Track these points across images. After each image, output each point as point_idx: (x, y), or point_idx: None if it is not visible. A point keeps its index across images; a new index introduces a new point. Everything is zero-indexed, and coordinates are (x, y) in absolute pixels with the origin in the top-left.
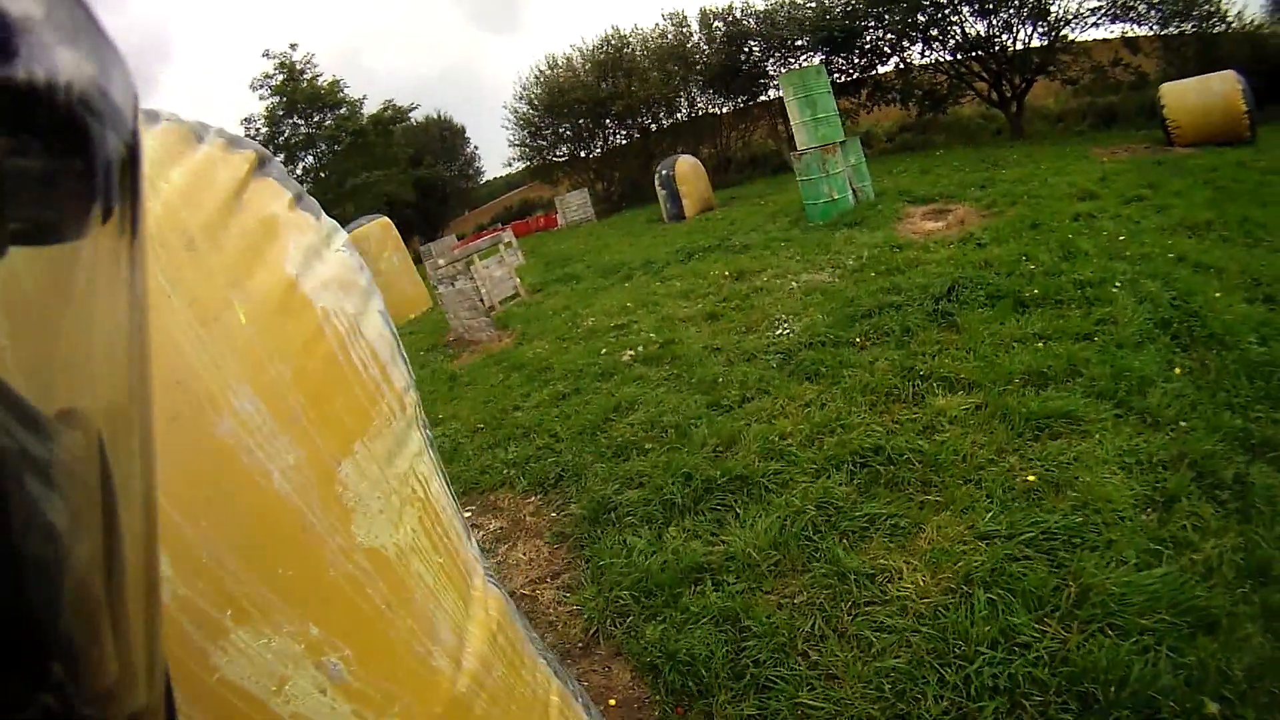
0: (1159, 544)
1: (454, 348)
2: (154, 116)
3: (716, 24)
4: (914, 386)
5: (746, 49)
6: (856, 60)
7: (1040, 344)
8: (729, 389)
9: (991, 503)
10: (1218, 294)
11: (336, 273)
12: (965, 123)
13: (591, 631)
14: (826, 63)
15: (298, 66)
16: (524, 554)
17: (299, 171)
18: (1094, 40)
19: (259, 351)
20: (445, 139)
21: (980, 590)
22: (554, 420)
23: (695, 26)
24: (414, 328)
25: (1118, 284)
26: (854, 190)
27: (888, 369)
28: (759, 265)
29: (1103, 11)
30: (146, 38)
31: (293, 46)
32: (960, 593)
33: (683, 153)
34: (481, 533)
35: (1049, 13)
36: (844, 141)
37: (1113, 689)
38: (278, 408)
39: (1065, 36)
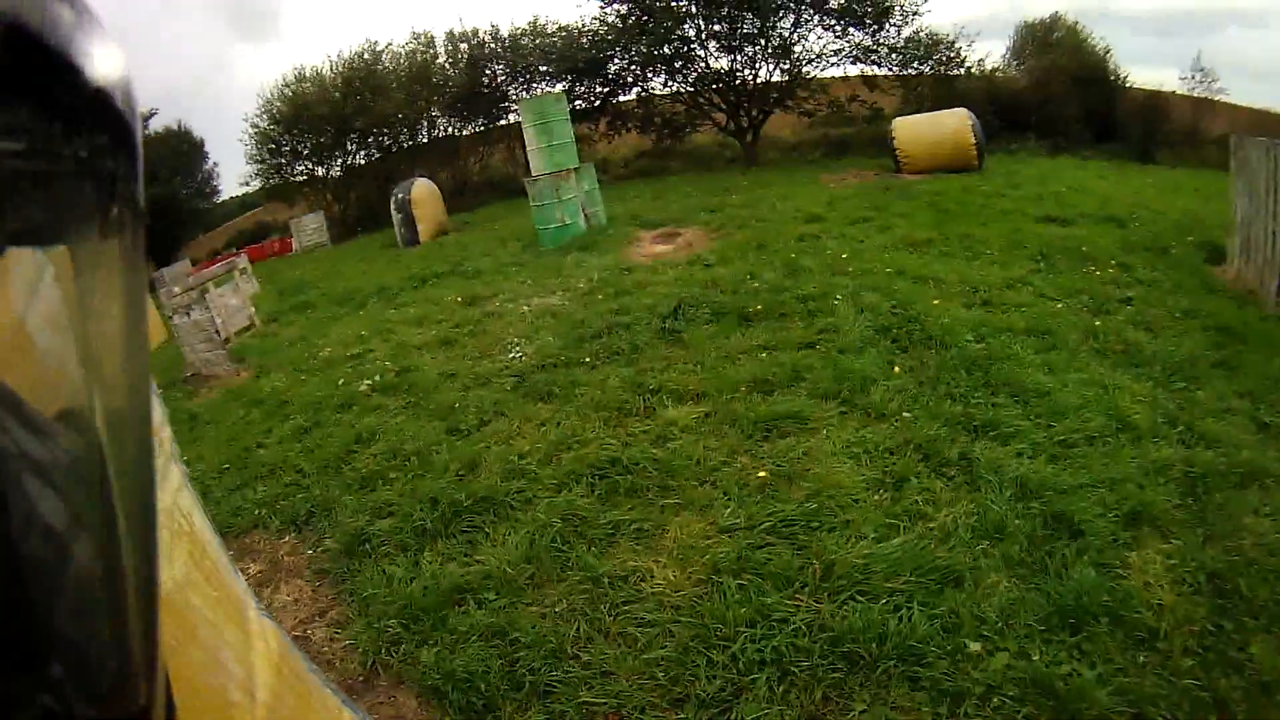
0: (894, 519)
1: (191, 384)
2: None
3: (462, 45)
4: (645, 400)
5: (490, 72)
6: (599, 89)
7: (765, 354)
8: (466, 414)
9: (729, 499)
10: (936, 301)
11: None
12: (701, 151)
13: (369, 664)
14: (569, 90)
15: None
16: (288, 595)
17: None
18: (834, 77)
19: None
20: (183, 153)
21: (729, 578)
22: (298, 455)
23: (441, 48)
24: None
25: (839, 297)
26: (586, 216)
27: (619, 385)
28: (491, 290)
29: (844, 54)
30: None
31: None
32: (711, 582)
33: (420, 176)
34: (243, 577)
35: (792, 52)
36: (578, 168)
37: (874, 645)
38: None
39: (806, 74)
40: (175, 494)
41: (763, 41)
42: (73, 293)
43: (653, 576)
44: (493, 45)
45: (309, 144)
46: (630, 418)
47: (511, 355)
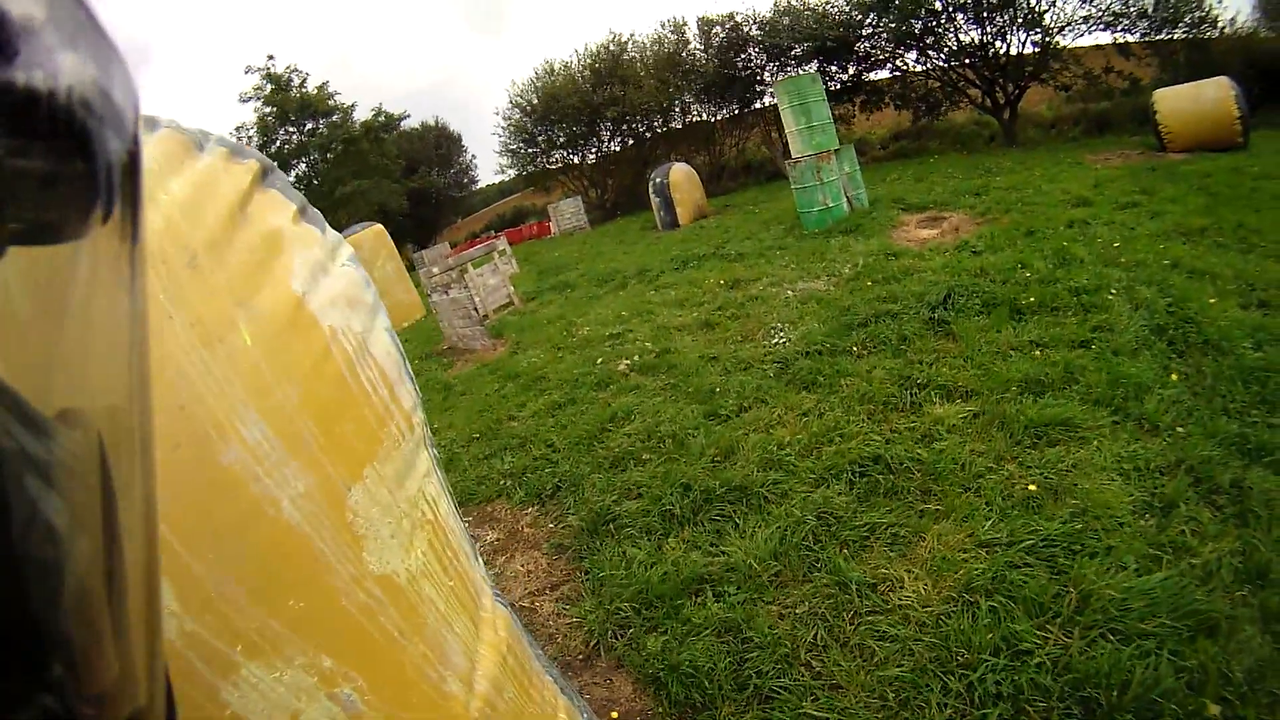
0: (1158, 549)
1: (448, 356)
2: (152, 123)
3: (716, 30)
4: (911, 395)
5: (743, 56)
6: (850, 68)
7: (1037, 351)
8: (726, 398)
9: (991, 511)
10: (1213, 300)
11: (343, 289)
12: (959, 130)
13: (592, 644)
14: (821, 70)
15: (284, 76)
16: (522, 565)
17: (291, 179)
18: (1087, 47)
19: (265, 374)
20: (441, 146)
21: (982, 598)
22: (550, 430)
23: (694, 33)
24: (408, 335)
25: (1113, 291)
26: (848, 198)
27: (885, 378)
28: (754, 274)
29: (1094, 20)
30: (125, 41)
31: (270, 59)
32: (962, 601)
33: (677, 160)
34: (479, 544)
35: (1042, 21)
36: (838, 149)
37: (1115, 693)
38: (286, 433)
39: (1057, 44)
40: (422, 481)
41: (1010, 10)
42: (68, 293)
43: (902, 587)
44: (748, 28)
45: (563, 134)
46: (896, 412)
47: (775, 341)
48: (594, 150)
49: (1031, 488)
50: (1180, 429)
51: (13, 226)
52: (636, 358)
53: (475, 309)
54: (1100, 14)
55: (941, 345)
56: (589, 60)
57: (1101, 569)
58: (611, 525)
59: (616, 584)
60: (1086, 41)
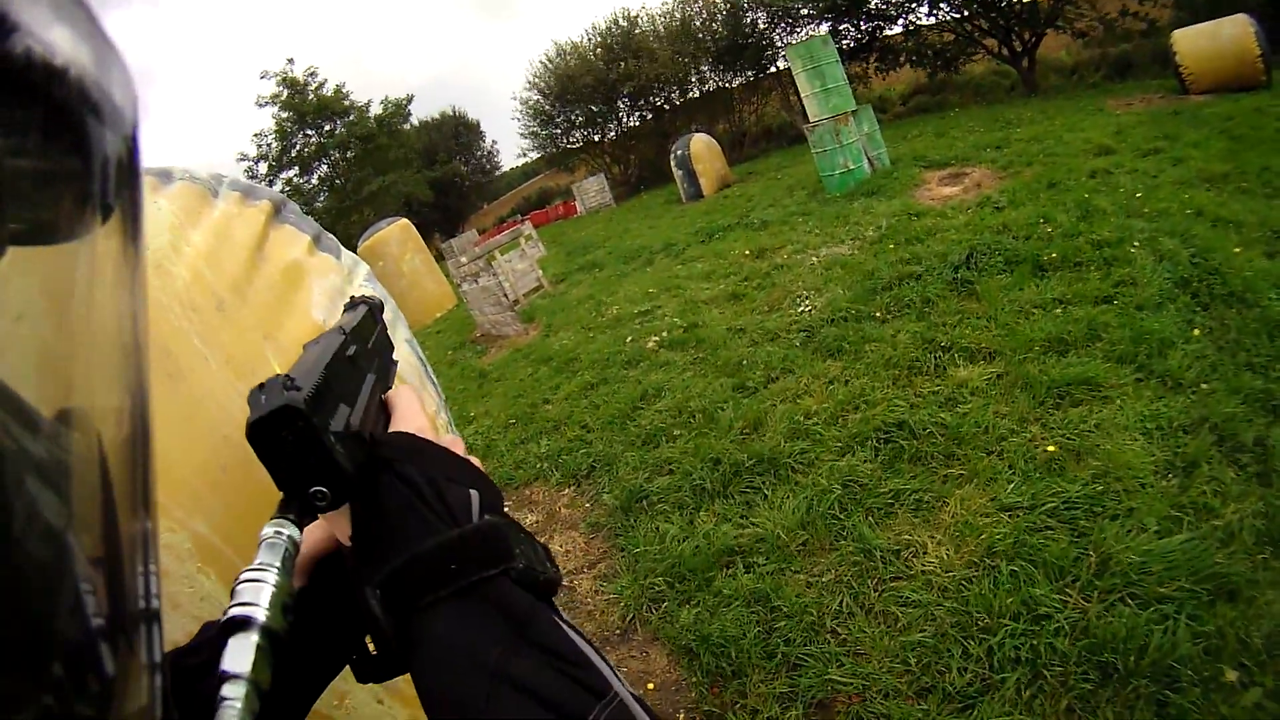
0: (1179, 511)
1: (482, 344)
2: (168, 176)
3: None
4: (936, 358)
5: (750, 22)
6: (863, 25)
7: (1060, 309)
8: (754, 370)
9: (1014, 474)
10: (1237, 249)
11: None
12: (978, 82)
13: (628, 619)
14: (833, 30)
15: (300, 80)
16: (560, 546)
17: (314, 181)
18: None
19: None
20: (461, 134)
21: (1003, 563)
22: (584, 411)
23: (700, 2)
24: (440, 326)
25: (1136, 243)
26: (869, 159)
27: (909, 342)
28: (779, 241)
29: None
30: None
31: (290, 62)
32: (983, 566)
33: (697, 130)
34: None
35: None
36: (856, 110)
37: (1132, 658)
38: None
39: None
40: None
41: None
42: (67, 293)
43: (925, 553)
44: None
45: (580, 113)
46: (920, 376)
47: (800, 309)
48: (613, 126)
49: (1053, 449)
50: (1204, 385)
51: (10, 226)
52: (665, 334)
53: (505, 295)
54: None
55: (965, 306)
56: (600, 38)
57: (1122, 531)
58: (645, 502)
59: (651, 559)
60: None
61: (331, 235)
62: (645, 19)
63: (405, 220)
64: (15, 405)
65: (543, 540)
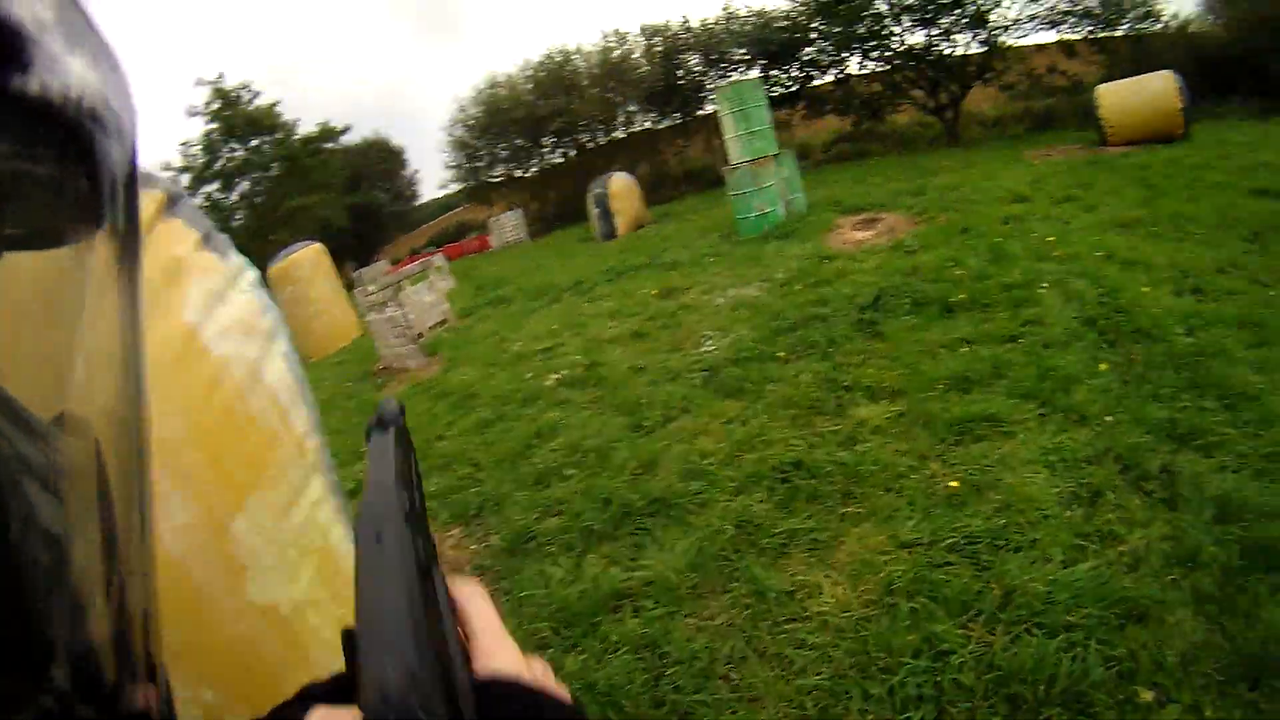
0: (1084, 539)
1: (382, 376)
2: None
3: (655, 39)
4: (837, 398)
5: (684, 65)
6: (795, 73)
7: (965, 348)
8: (652, 410)
9: (913, 510)
10: (1146, 288)
11: (239, 316)
12: (902, 131)
13: None
14: (764, 76)
15: (232, 93)
16: None
17: (234, 197)
18: (1032, 46)
19: (154, 408)
20: (384, 160)
21: (903, 600)
22: (476, 449)
23: (637, 43)
24: (343, 356)
25: (1045, 284)
26: (786, 203)
27: (811, 381)
28: (688, 282)
29: (1039, 19)
30: None
31: (220, 76)
32: (882, 604)
33: (611, 170)
34: None
35: (987, 20)
36: (778, 154)
37: (1042, 688)
38: (171, 465)
39: (1003, 43)
40: (313, 508)
41: (957, 11)
42: (66, 299)
43: (821, 593)
44: (686, 36)
45: (505, 147)
46: (820, 416)
47: (704, 349)
48: (536, 163)
49: (954, 484)
50: (1109, 418)
51: (12, 232)
52: (566, 372)
53: (409, 327)
54: (1047, 13)
55: (870, 346)
56: (533, 72)
57: (1026, 563)
58: (532, 544)
59: (536, 604)
60: (1031, 41)
61: (224, 235)
62: (580, 56)
63: (319, 245)
64: (13, 410)
65: None
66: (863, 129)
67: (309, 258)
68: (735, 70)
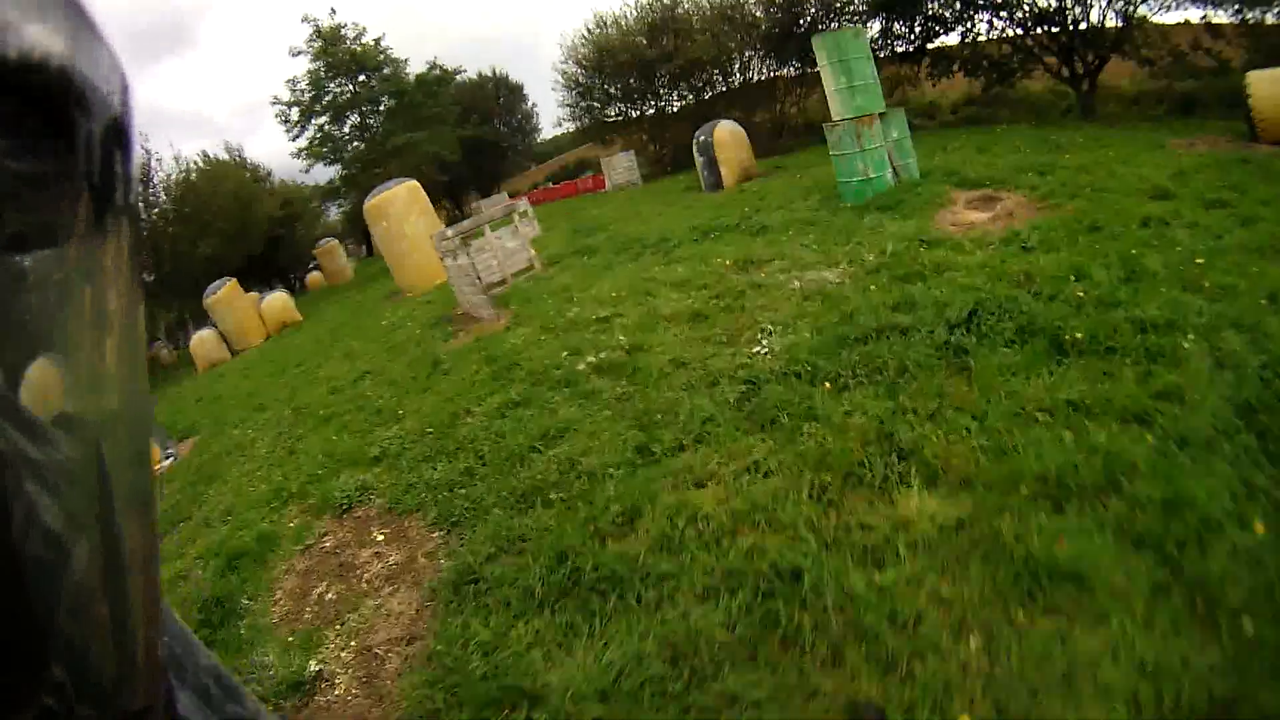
0: None
1: (457, 324)
2: None
3: None
4: (885, 466)
5: (798, 10)
6: (916, 28)
7: (1073, 421)
8: (669, 429)
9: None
10: None
11: None
12: (1034, 99)
13: None
14: (886, 30)
15: (339, 31)
16: (398, 604)
17: (346, 130)
18: (1173, 24)
19: None
20: (502, 95)
21: None
22: (488, 439)
23: None
24: (433, 296)
25: (1191, 333)
26: (895, 168)
27: (861, 428)
28: (770, 253)
29: None
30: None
31: (332, 12)
32: None
33: (727, 118)
34: (380, 564)
35: None
36: (884, 113)
37: None
38: None
39: (1142, 17)
40: None
41: None
42: (62, 296)
43: None
44: None
45: (618, 88)
46: (855, 492)
47: (756, 349)
48: (652, 104)
49: (978, 698)
50: (1248, 623)
51: (6, 229)
52: (605, 354)
53: (479, 278)
54: None
55: (950, 386)
56: (640, 12)
57: None
58: (475, 587)
59: (444, 665)
60: (1173, 18)
61: None
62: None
63: (414, 183)
64: (14, 410)
65: (389, 591)
66: (991, 93)
67: (401, 194)
68: (855, 20)
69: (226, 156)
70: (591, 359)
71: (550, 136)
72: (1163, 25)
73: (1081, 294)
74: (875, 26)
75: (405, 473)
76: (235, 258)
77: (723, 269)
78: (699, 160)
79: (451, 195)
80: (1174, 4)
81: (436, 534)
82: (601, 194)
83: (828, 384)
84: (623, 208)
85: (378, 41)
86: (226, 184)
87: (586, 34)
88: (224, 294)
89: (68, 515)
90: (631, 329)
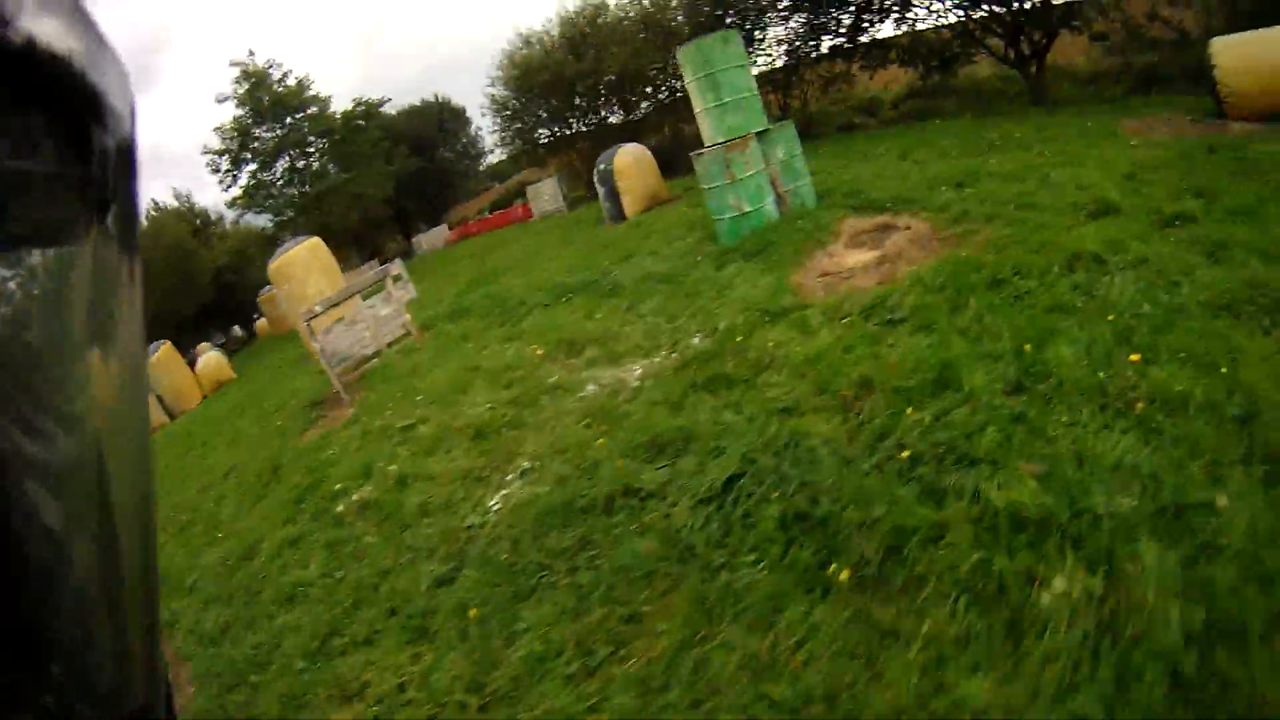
0: None
1: (324, 407)
2: None
3: None
4: None
5: (720, 12)
6: (844, 21)
7: None
8: (368, 611)
9: None
10: None
11: None
12: (980, 86)
13: None
14: (813, 22)
15: (262, 72)
16: None
17: (278, 174)
18: None
19: None
20: (446, 121)
21: None
22: (252, 586)
23: None
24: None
25: (1140, 535)
26: (780, 195)
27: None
28: (599, 329)
29: None
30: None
31: (251, 53)
32: None
33: (657, 134)
34: None
35: None
36: (765, 131)
37: None
38: None
39: None
40: None
41: None
42: (66, 297)
43: None
44: None
45: (545, 108)
46: None
47: (494, 502)
48: (583, 123)
49: None
50: None
51: (11, 229)
52: (373, 488)
53: (333, 361)
54: None
55: (649, 620)
56: (563, 28)
57: None
58: None
59: None
60: None
61: None
62: (615, 6)
63: (316, 240)
64: (15, 409)
65: None
66: (931, 83)
67: (302, 255)
68: (779, 18)
69: (175, 203)
70: (359, 495)
71: (498, 160)
72: None
73: (938, 418)
74: (796, 20)
75: (192, 613)
76: (187, 306)
77: (532, 360)
78: (600, 190)
79: (403, 227)
80: None
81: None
82: (529, 224)
83: (522, 579)
84: (530, 246)
85: (300, 82)
86: (164, 239)
87: (510, 53)
88: (158, 358)
89: (68, 515)
90: (421, 448)
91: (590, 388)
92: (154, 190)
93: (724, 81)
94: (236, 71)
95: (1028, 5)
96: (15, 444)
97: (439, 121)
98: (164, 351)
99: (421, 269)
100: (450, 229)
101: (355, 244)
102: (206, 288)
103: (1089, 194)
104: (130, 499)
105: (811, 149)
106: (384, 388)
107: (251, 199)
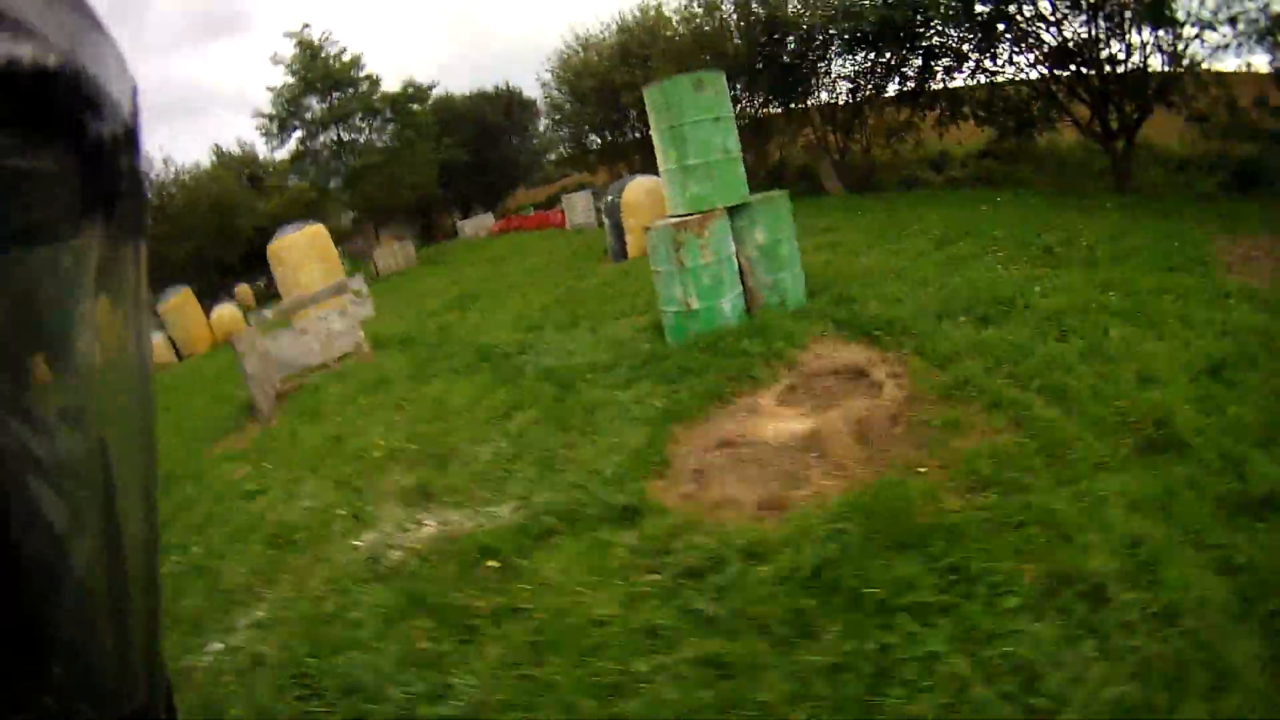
0: None
1: (249, 418)
2: None
3: (754, 8)
4: None
5: (779, 41)
6: (916, 63)
7: None
8: None
9: None
10: None
11: None
12: (1062, 155)
13: None
14: (875, 65)
15: (316, 45)
16: None
17: (319, 145)
18: (1233, 71)
19: None
20: (513, 112)
21: None
22: None
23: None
24: None
25: None
26: (754, 291)
27: None
28: (453, 443)
29: (1244, 33)
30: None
31: (305, 26)
32: None
33: (642, 174)
34: None
35: (1176, 20)
36: (742, 206)
37: None
38: None
39: (1195, 58)
40: None
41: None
42: (69, 292)
43: None
44: (790, 9)
45: (595, 112)
46: None
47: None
48: (632, 132)
49: None
50: None
51: (11, 226)
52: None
53: (255, 375)
54: (1251, 30)
55: None
56: (619, 35)
57: None
58: None
59: None
60: (1232, 64)
61: None
62: (675, 21)
63: (318, 227)
64: (17, 404)
65: None
66: (1006, 146)
67: (300, 242)
68: (840, 55)
69: (239, 151)
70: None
71: (553, 160)
72: (1220, 73)
73: None
74: (859, 56)
75: None
76: (229, 254)
77: (371, 463)
78: (606, 223)
79: (463, 208)
80: (1235, 44)
81: None
82: (560, 232)
83: None
84: (532, 266)
85: (355, 59)
86: (205, 198)
87: (565, 52)
88: (176, 301)
89: (70, 512)
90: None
91: (368, 537)
92: (238, 129)
93: (691, 138)
94: (291, 41)
95: (1119, 70)
96: (17, 439)
97: (506, 109)
98: (182, 296)
99: (440, 259)
100: (496, 219)
101: (407, 218)
102: (243, 242)
103: (1148, 401)
104: (133, 495)
105: (856, 205)
106: (295, 418)
107: (295, 165)
